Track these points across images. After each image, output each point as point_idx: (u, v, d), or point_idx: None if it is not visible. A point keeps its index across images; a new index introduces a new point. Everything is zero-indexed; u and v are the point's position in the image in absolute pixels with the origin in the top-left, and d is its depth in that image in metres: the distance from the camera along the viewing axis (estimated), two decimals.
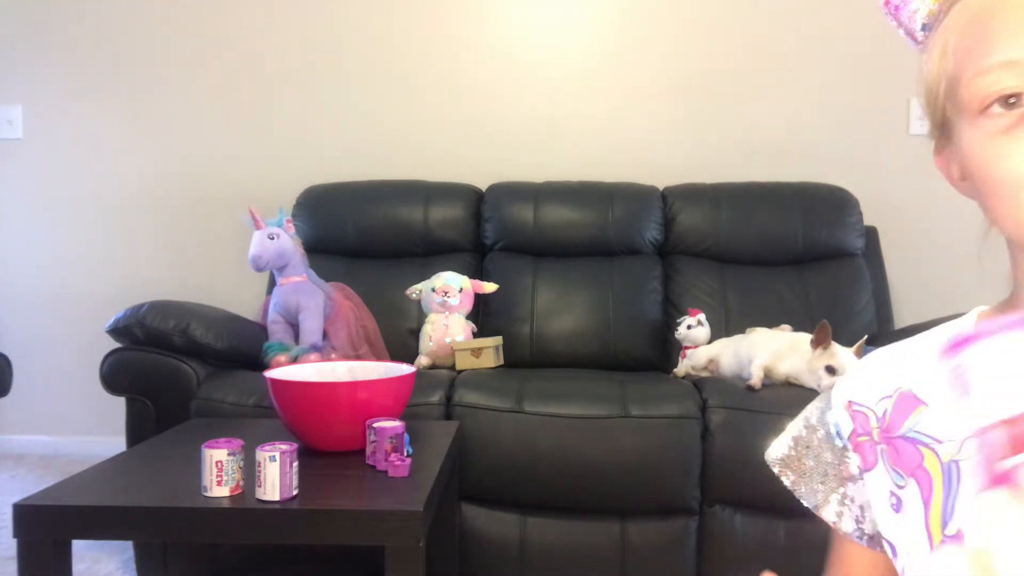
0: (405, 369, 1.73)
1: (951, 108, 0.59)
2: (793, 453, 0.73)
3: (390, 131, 3.18)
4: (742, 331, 2.39)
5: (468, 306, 2.56)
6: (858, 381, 0.69)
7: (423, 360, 2.48)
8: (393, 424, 1.50)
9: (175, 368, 2.12)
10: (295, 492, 1.33)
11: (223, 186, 3.20)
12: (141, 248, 3.25)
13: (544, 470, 1.95)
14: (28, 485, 2.78)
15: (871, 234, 2.82)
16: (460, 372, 2.34)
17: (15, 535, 1.27)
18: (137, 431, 2.08)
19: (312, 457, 1.54)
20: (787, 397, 1.99)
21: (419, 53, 3.17)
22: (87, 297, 3.22)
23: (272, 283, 2.58)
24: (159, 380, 2.11)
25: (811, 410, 0.74)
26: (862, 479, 0.67)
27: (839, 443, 0.69)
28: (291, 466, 1.32)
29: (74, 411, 3.22)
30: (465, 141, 3.15)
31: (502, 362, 2.48)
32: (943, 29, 0.59)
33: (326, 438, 1.59)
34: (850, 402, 0.68)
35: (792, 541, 1.92)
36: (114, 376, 2.12)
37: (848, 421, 0.68)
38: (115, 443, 2.21)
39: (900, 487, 0.61)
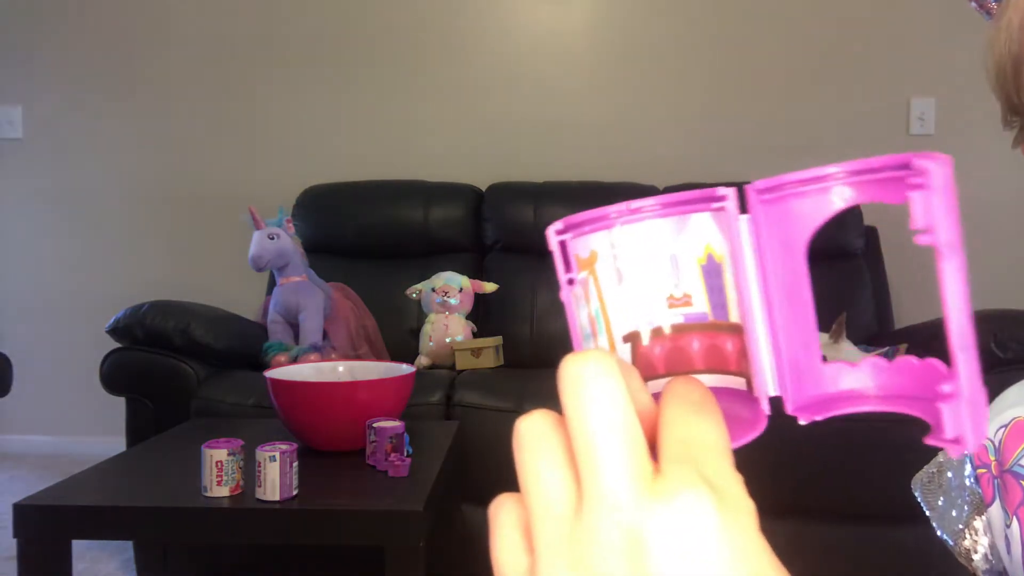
0: (405, 369, 1.73)
1: (1019, 93, 0.52)
2: (934, 479, 0.67)
3: (390, 131, 3.18)
4: None
5: (468, 306, 2.56)
6: (991, 408, 0.60)
7: (423, 360, 2.48)
8: (393, 424, 1.50)
9: (175, 368, 2.12)
10: (295, 492, 1.33)
11: (223, 186, 3.20)
12: (141, 248, 3.25)
13: None
14: (28, 485, 2.77)
15: (871, 234, 2.82)
16: (460, 372, 2.34)
17: (15, 535, 1.27)
18: (137, 431, 2.08)
19: (312, 457, 1.54)
20: None
21: (419, 53, 3.17)
22: (87, 297, 3.22)
23: (272, 283, 2.58)
24: (159, 380, 2.11)
25: None
26: (987, 515, 0.60)
27: (969, 473, 0.63)
28: (291, 466, 1.32)
29: (74, 411, 3.22)
30: (465, 141, 3.15)
31: (502, 362, 2.48)
32: (1012, 4, 0.51)
33: (326, 438, 1.59)
34: None
35: (792, 541, 1.92)
36: (114, 376, 2.12)
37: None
38: (115, 443, 2.21)
39: (1007, 526, 0.56)
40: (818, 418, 0.29)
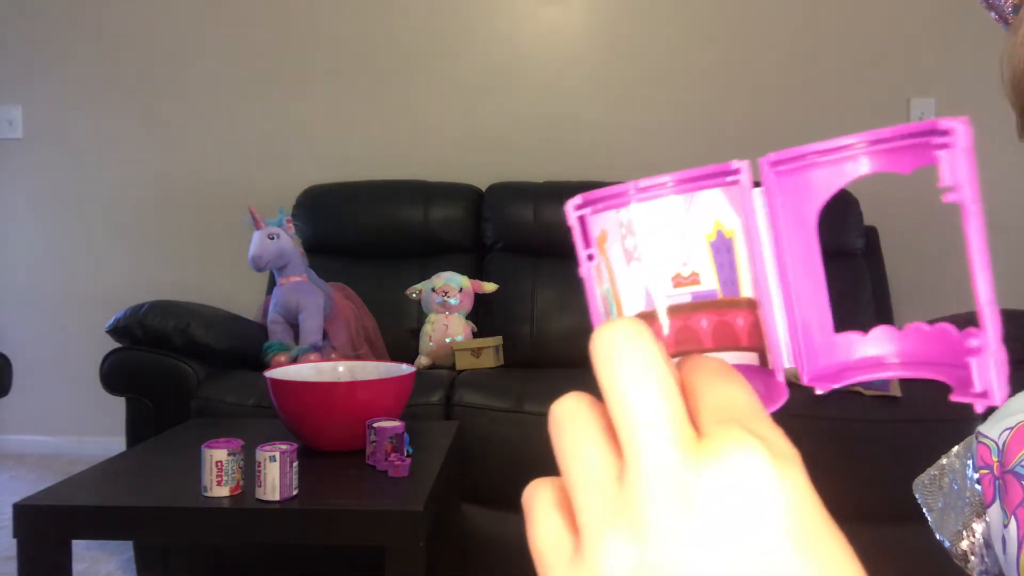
0: (405, 369, 1.73)
1: None
2: (935, 480, 0.66)
3: (390, 131, 3.18)
4: None
5: (468, 306, 2.56)
6: (998, 412, 0.60)
7: (423, 360, 2.48)
8: (393, 424, 1.50)
9: (175, 368, 2.12)
10: (295, 492, 1.33)
11: (223, 186, 3.20)
12: (141, 248, 3.24)
13: (544, 470, 1.94)
14: (28, 485, 2.77)
15: (871, 234, 2.82)
16: (460, 372, 2.34)
17: (15, 535, 1.27)
18: (137, 431, 2.08)
19: (312, 457, 1.54)
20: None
21: (419, 53, 3.17)
22: (87, 297, 3.22)
23: (272, 283, 2.58)
24: (159, 380, 2.11)
25: (968, 439, 0.65)
26: (986, 517, 0.60)
27: (971, 476, 0.62)
28: (291, 466, 1.32)
29: (74, 411, 3.22)
30: (465, 141, 3.15)
31: (502, 362, 2.47)
32: None
33: (326, 438, 1.59)
34: (978, 432, 0.61)
35: None
36: (114, 376, 2.12)
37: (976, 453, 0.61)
38: (115, 443, 2.21)
39: (1005, 526, 0.56)
40: (835, 386, 0.29)
